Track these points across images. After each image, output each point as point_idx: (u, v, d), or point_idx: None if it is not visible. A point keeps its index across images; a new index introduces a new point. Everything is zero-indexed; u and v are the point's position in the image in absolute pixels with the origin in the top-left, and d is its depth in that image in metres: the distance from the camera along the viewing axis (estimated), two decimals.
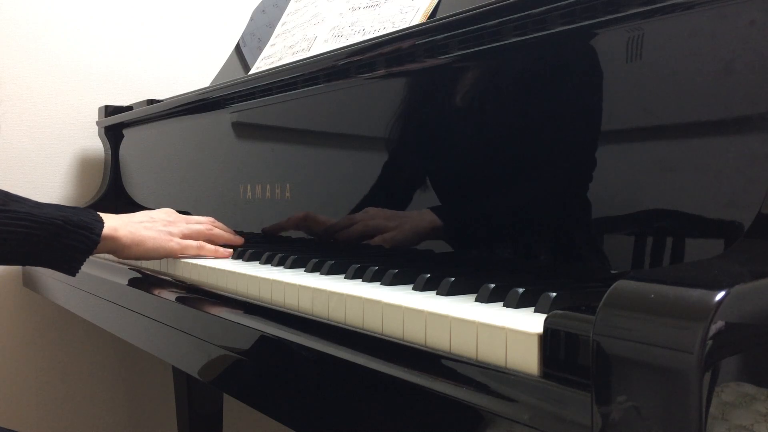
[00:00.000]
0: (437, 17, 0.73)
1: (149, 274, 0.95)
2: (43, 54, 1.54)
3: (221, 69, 1.47)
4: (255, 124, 1.05)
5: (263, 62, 1.18)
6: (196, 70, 1.71)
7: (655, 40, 0.54)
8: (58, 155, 1.57)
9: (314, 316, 0.61)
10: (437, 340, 0.48)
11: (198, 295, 0.81)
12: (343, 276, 0.69)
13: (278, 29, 1.21)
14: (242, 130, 1.08)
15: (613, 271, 0.56)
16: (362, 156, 0.84)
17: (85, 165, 1.61)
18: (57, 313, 1.54)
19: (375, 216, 0.80)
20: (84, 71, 1.60)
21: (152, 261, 0.95)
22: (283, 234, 0.97)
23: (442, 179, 0.73)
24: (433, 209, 0.73)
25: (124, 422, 1.65)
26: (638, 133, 0.56)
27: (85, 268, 0.84)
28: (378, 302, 0.54)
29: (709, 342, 0.31)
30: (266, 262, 0.83)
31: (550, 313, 0.41)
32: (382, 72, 0.79)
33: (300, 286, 0.64)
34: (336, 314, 0.59)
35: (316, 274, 0.71)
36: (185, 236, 0.93)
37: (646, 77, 0.54)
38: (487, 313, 0.48)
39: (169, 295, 0.83)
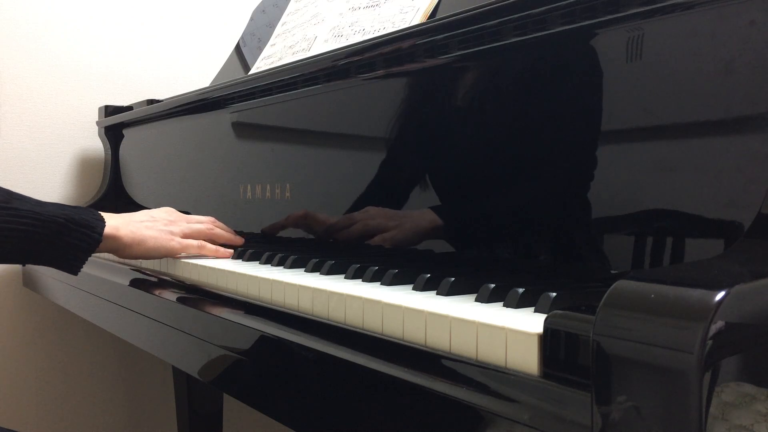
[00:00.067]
0: (437, 17, 0.73)
1: (149, 274, 0.95)
2: (43, 54, 1.54)
3: (221, 69, 1.47)
4: (255, 124, 1.05)
5: (263, 62, 1.18)
6: (196, 70, 1.71)
7: (655, 40, 0.54)
8: (58, 155, 1.57)
9: (314, 316, 0.61)
10: (437, 340, 0.48)
11: (198, 295, 0.81)
12: (343, 276, 0.69)
13: (278, 29, 1.21)
14: (242, 130, 1.08)
15: (613, 271, 0.56)
16: (362, 156, 0.84)
17: (85, 165, 1.61)
18: (57, 313, 1.54)
19: (375, 215, 0.80)
20: (84, 71, 1.60)
21: (152, 261, 0.95)
22: (283, 234, 0.97)
23: (442, 179, 0.73)
24: (434, 209, 0.73)
25: (124, 422, 1.65)
26: (638, 133, 0.56)
27: (85, 267, 0.84)
28: (378, 302, 0.54)
29: (709, 342, 0.31)
30: (266, 262, 0.83)
31: (550, 313, 0.41)
32: (382, 72, 0.79)
33: (300, 286, 0.64)
34: (336, 314, 0.59)
35: (316, 274, 0.71)
36: (186, 236, 0.93)
37: (646, 77, 0.54)
38: (487, 313, 0.48)
39: (169, 295, 0.83)
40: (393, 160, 0.79)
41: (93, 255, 0.84)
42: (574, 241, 0.61)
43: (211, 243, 0.94)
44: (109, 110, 1.53)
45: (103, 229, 0.83)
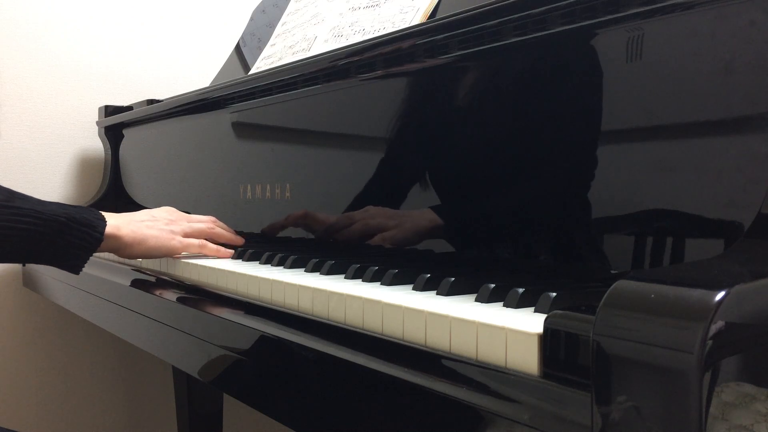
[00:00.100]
0: (437, 17, 0.73)
1: (149, 274, 0.95)
2: (43, 54, 1.54)
3: (221, 69, 1.47)
4: (255, 124, 1.05)
5: (263, 62, 1.18)
6: (196, 70, 1.71)
7: (655, 40, 0.54)
8: (58, 155, 1.57)
9: (314, 316, 0.61)
10: (437, 340, 0.48)
11: (198, 296, 0.81)
12: (343, 276, 0.69)
13: (278, 29, 1.21)
14: (242, 130, 1.08)
15: (613, 271, 0.56)
16: (362, 156, 0.84)
17: (85, 165, 1.61)
18: (57, 313, 1.54)
19: (375, 215, 0.80)
20: (84, 71, 1.60)
21: (152, 261, 0.95)
22: (283, 233, 0.97)
23: (443, 179, 0.73)
24: (434, 208, 0.73)
25: (124, 422, 1.65)
26: (638, 133, 0.56)
27: (85, 267, 0.84)
28: (378, 302, 0.54)
29: (709, 342, 0.31)
30: (266, 262, 0.83)
31: (550, 313, 0.41)
32: (382, 72, 0.79)
33: (300, 286, 0.64)
34: (336, 314, 0.59)
35: (316, 274, 0.71)
36: (187, 235, 0.93)
37: (646, 77, 0.54)
38: (487, 313, 0.48)
39: (169, 295, 0.83)
40: (393, 160, 0.79)
41: (93, 255, 0.84)
42: (574, 241, 0.61)
43: (212, 242, 0.94)
44: (109, 110, 1.53)
45: (104, 229, 0.83)
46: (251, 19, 1.45)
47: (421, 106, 0.76)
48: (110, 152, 1.53)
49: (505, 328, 0.43)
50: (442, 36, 0.69)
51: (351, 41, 0.94)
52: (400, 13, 0.92)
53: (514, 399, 0.41)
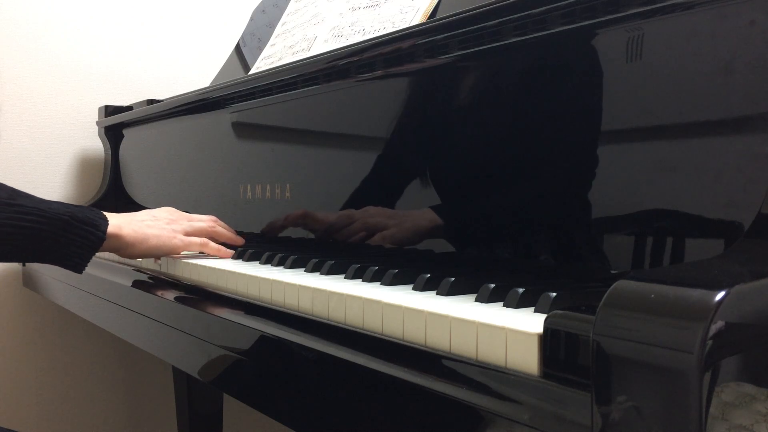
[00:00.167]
0: (437, 17, 0.73)
1: (149, 274, 0.95)
2: (43, 54, 1.54)
3: (221, 69, 1.47)
4: (255, 124, 1.05)
5: (263, 62, 1.18)
6: (196, 70, 1.71)
7: (655, 40, 0.54)
8: (58, 155, 1.57)
9: (314, 316, 0.61)
10: (437, 340, 0.48)
11: (198, 296, 0.81)
12: (343, 276, 0.69)
13: (278, 29, 1.21)
14: (242, 130, 1.08)
15: (613, 271, 0.56)
16: (362, 156, 0.84)
17: (85, 165, 1.61)
18: (57, 313, 1.54)
19: (375, 214, 0.80)
20: (84, 71, 1.60)
21: (152, 261, 0.95)
22: (283, 233, 0.97)
23: (443, 179, 0.73)
24: (434, 208, 0.73)
25: (124, 422, 1.65)
26: (638, 133, 0.56)
27: (86, 267, 0.84)
28: (378, 302, 0.54)
29: (709, 342, 0.31)
30: (266, 262, 0.83)
31: (550, 313, 0.41)
32: (382, 72, 0.79)
33: (300, 286, 0.64)
34: (336, 314, 0.59)
35: (316, 274, 0.71)
36: (188, 234, 0.93)
37: (646, 77, 0.54)
38: (487, 313, 0.48)
39: (169, 295, 0.83)
40: (393, 160, 0.79)
41: (94, 255, 0.84)
42: (574, 241, 0.61)
43: (213, 241, 0.94)
44: (109, 110, 1.53)
45: (106, 228, 0.83)
46: (251, 19, 1.45)
47: (421, 106, 0.76)
48: (110, 152, 1.53)
49: (505, 328, 0.43)
50: (442, 36, 0.69)
51: (351, 41, 0.94)
52: (400, 13, 0.92)
53: (514, 399, 0.41)
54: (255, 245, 0.96)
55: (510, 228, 0.66)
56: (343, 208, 0.85)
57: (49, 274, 1.31)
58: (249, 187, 1.03)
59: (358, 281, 0.66)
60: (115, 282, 0.99)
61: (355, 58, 0.80)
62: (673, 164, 0.53)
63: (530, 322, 0.44)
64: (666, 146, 0.54)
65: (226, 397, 1.54)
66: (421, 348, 0.49)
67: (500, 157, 0.67)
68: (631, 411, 0.34)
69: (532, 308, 0.49)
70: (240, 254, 0.90)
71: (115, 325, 1.05)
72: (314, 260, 0.74)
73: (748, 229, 0.47)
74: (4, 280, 1.51)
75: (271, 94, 0.97)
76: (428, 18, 0.88)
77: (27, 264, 1.47)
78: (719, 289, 0.32)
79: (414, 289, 0.59)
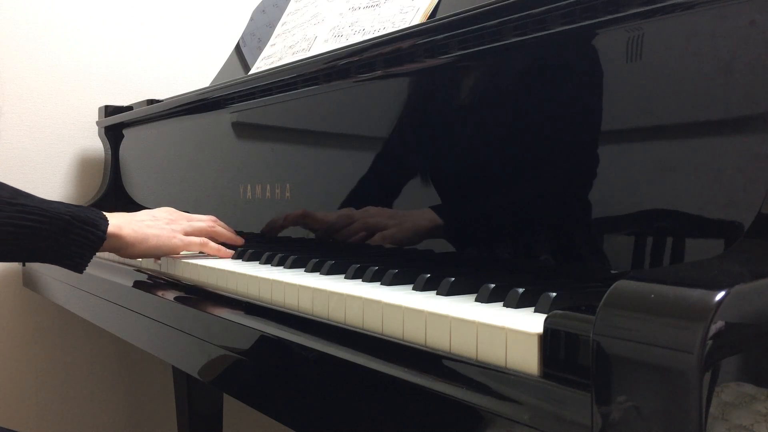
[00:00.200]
0: (437, 17, 0.73)
1: (149, 274, 0.95)
2: (43, 54, 1.54)
3: (221, 69, 1.47)
4: (255, 124, 1.05)
5: (263, 62, 1.18)
6: (196, 70, 1.71)
7: (655, 40, 0.54)
8: (58, 155, 1.57)
9: (314, 316, 0.61)
10: (437, 340, 0.48)
11: (198, 296, 0.81)
12: (343, 276, 0.69)
13: (278, 29, 1.21)
14: (242, 130, 1.08)
15: (613, 271, 0.56)
16: (362, 156, 0.84)
17: (85, 165, 1.61)
18: (57, 313, 1.54)
19: (375, 214, 0.80)
20: (84, 71, 1.60)
21: (152, 261, 0.95)
22: (283, 233, 0.97)
23: (443, 179, 0.73)
24: (434, 208, 0.73)
25: (124, 422, 1.65)
26: (638, 133, 0.56)
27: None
28: (378, 302, 0.54)
29: (709, 342, 0.31)
30: (266, 262, 0.83)
31: (550, 313, 0.41)
32: (382, 72, 0.79)
33: (300, 286, 0.64)
34: (336, 314, 0.59)
35: (316, 274, 0.71)
36: (188, 233, 0.93)
37: (646, 77, 0.54)
38: (487, 313, 0.48)
39: (169, 295, 0.83)
40: (393, 160, 0.79)
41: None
42: (574, 241, 0.61)
43: (213, 241, 0.94)
44: (109, 110, 1.53)
45: (107, 227, 0.84)
46: (251, 19, 1.45)
47: (421, 106, 0.76)
48: (110, 152, 1.53)
49: (505, 328, 0.43)
50: (442, 36, 0.69)
51: (351, 41, 0.94)
52: (400, 13, 0.92)
53: (514, 399, 0.41)
54: (255, 245, 0.96)
55: (510, 228, 0.66)
56: (343, 207, 0.85)
57: (49, 274, 1.31)
58: (249, 187, 1.03)
59: (358, 281, 0.66)
60: (115, 282, 0.99)
61: (355, 58, 0.80)
62: (673, 164, 0.53)
63: (530, 322, 0.44)
64: (666, 146, 0.54)
65: (226, 397, 1.54)
66: (421, 348, 0.49)
67: (500, 157, 0.67)
68: (631, 411, 0.34)
69: (532, 308, 0.49)
70: (240, 254, 0.90)
71: (115, 325, 1.05)
72: (314, 260, 0.74)
73: (748, 229, 0.47)
74: (4, 280, 1.51)
75: (271, 94, 0.97)
76: (428, 18, 0.88)
77: (27, 264, 1.47)
78: (719, 289, 0.32)
79: (414, 289, 0.59)
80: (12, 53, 1.50)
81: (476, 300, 0.53)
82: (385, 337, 0.52)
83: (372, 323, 0.54)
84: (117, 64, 1.64)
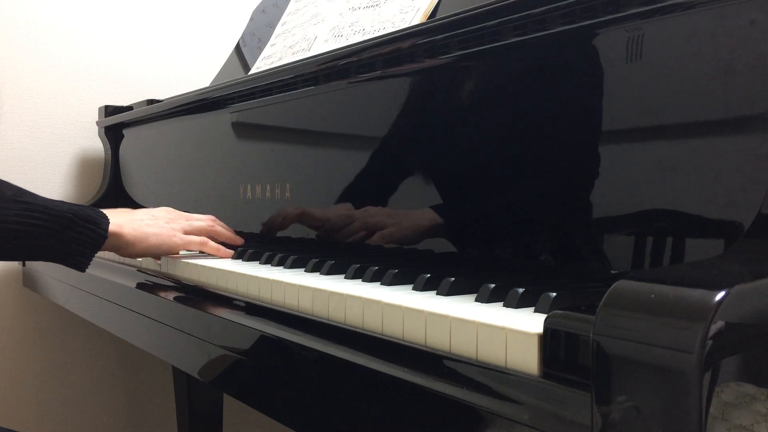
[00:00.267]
0: (437, 17, 0.73)
1: (150, 274, 0.95)
2: (43, 54, 1.54)
3: (221, 69, 1.47)
4: (255, 124, 1.05)
5: (263, 62, 1.18)
6: (196, 70, 1.71)
7: (655, 40, 0.54)
8: (58, 155, 1.57)
9: (314, 316, 0.61)
10: (437, 340, 0.48)
11: (198, 296, 0.81)
12: (343, 276, 0.69)
13: (278, 29, 1.21)
14: (242, 130, 1.08)
15: (613, 271, 0.56)
16: (362, 156, 0.84)
17: (85, 165, 1.61)
18: (57, 313, 1.54)
19: (375, 214, 0.80)
20: (84, 71, 1.60)
21: (152, 261, 0.95)
22: (283, 233, 0.97)
23: (443, 179, 0.73)
24: (434, 208, 0.73)
25: (124, 422, 1.65)
26: (638, 133, 0.56)
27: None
28: (378, 302, 0.54)
29: (709, 342, 0.31)
30: (266, 262, 0.83)
31: (550, 313, 0.41)
32: (381, 72, 0.79)
33: (300, 286, 0.64)
34: (336, 314, 0.59)
35: (316, 274, 0.71)
36: (187, 232, 0.93)
37: (646, 77, 0.54)
38: (487, 313, 0.48)
39: (169, 295, 0.83)
40: (393, 160, 0.79)
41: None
42: (574, 241, 0.61)
43: (212, 240, 0.94)
44: (109, 110, 1.53)
45: (107, 226, 0.84)
46: (251, 19, 1.45)
47: (421, 106, 0.76)
48: (110, 152, 1.53)
49: (505, 328, 0.43)
50: (442, 36, 0.69)
51: (351, 41, 0.94)
52: (400, 13, 0.92)
53: (514, 399, 0.41)
54: (255, 245, 0.96)
55: (510, 228, 0.66)
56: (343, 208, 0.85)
57: (49, 274, 1.31)
58: (249, 187, 1.03)
59: (358, 281, 0.66)
60: (115, 282, 0.99)
61: (355, 58, 0.80)
62: (673, 164, 0.53)
63: (530, 322, 0.44)
64: (666, 146, 0.54)
65: (226, 397, 1.54)
66: (421, 348, 0.49)
67: (500, 157, 0.67)
68: (631, 411, 0.34)
69: (532, 308, 0.49)
70: (240, 254, 0.90)
71: (115, 325, 1.05)
72: (314, 260, 0.74)
73: (748, 229, 0.47)
74: (4, 280, 1.51)
75: (271, 94, 0.97)
76: (428, 18, 0.88)
77: (27, 264, 1.47)
78: (719, 289, 0.32)
79: (414, 289, 0.59)
80: (12, 53, 1.50)
81: (476, 300, 0.53)
82: (385, 337, 0.52)
83: (372, 323, 0.54)
84: (117, 64, 1.64)
